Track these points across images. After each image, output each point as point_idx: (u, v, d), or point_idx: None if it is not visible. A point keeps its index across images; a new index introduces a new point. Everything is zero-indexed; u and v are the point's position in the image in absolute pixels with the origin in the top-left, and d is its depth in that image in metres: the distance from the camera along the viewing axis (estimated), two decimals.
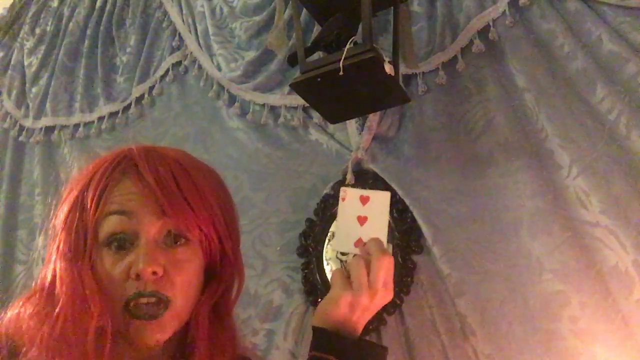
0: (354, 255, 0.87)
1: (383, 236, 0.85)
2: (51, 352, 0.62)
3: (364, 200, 0.87)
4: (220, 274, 0.76)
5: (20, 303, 0.69)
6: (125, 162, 0.72)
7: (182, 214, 0.69)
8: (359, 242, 0.86)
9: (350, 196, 0.88)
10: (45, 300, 0.67)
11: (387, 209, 0.87)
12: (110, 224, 0.68)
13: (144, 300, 0.66)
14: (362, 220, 0.87)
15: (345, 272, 0.83)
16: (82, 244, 0.68)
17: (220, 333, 0.75)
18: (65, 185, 0.76)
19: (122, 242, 0.68)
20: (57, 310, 0.65)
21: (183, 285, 0.70)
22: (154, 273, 0.66)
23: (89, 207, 0.68)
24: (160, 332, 0.67)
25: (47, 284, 0.69)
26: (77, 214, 0.69)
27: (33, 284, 0.72)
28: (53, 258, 0.70)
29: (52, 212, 0.75)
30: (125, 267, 0.67)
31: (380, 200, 0.86)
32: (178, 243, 0.70)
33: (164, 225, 0.69)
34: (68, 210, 0.71)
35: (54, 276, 0.69)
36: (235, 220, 0.79)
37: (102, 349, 0.63)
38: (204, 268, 0.75)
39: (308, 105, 1.46)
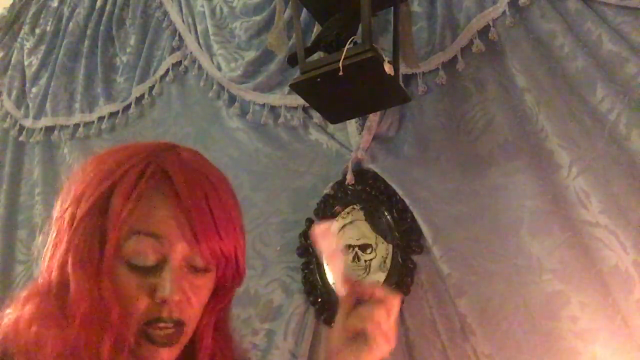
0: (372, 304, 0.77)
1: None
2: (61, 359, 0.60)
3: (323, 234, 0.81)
4: (228, 285, 0.75)
5: (19, 305, 0.65)
6: (159, 174, 0.67)
7: (211, 243, 0.66)
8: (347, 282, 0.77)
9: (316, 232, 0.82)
10: (52, 303, 0.63)
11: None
12: (139, 245, 0.64)
13: (162, 325, 0.65)
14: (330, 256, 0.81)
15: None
16: (98, 250, 0.64)
17: (222, 340, 0.75)
18: (79, 176, 0.70)
19: (146, 265, 0.65)
20: (73, 318, 0.61)
21: (197, 308, 0.69)
22: (179, 300, 0.65)
23: (115, 216, 0.64)
24: (171, 354, 0.67)
25: (54, 286, 0.64)
26: (98, 219, 0.65)
27: (32, 284, 0.68)
28: (60, 259, 0.65)
29: (60, 202, 0.69)
30: (148, 289, 0.64)
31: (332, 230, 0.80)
32: (197, 270, 0.68)
33: (193, 253, 0.67)
34: (87, 210, 0.65)
35: (63, 279, 0.64)
36: (244, 232, 0.76)
37: None
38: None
39: (308, 105, 1.47)
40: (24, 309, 0.64)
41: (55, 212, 0.69)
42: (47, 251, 0.67)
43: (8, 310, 0.66)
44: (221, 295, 0.75)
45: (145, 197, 0.65)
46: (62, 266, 0.64)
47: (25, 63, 2.27)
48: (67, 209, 0.67)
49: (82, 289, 0.62)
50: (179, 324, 0.66)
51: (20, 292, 0.67)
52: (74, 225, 0.65)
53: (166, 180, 0.67)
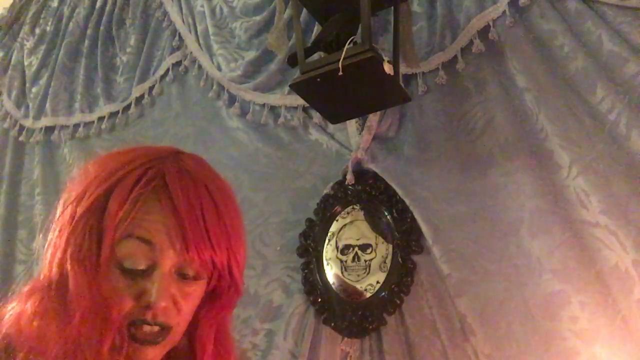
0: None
1: None
2: (63, 354, 0.60)
3: None
4: (225, 295, 0.75)
5: (22, 301, 0.66)
6: (157, 179, 0.67)
7: (202, 253, 0.67)
8: None
9: None
10: (53, 299, 0.64)
11: None
12: (131, 249, 0.65)
13: (147, 328, 0.65)
14: None
15: None
16: (96, 249, 0.65)
17: (222, 348, 0.76)
18: (82, 175, 0.71)
19: (135, 268, 0.66)
20: (73, 315, 0.62)
21: (186, 313, 0.70)
22: (165, 306, 0.66)
23: (111, 218, 0.65)
24: (155, 354, 0.68)
25: (53, 282, 0.65)
26: (96, 219, 0.65)
27: (34, 280, 0.69)
28: (59, 255, 0.66)
29: (62, 201, 0.70)
30: (135, 292, 0.65)
31: None
32: (187, 277, 0.69)
33: (183, 262, 0.67)
34: (85, 210, 0.66)
35: (62, 276, 0.65)
36: (245, 243, 0.76)
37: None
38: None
39: (308, 105, 1.46)
40: (26, 305, 0.65)
41: (58, 210, 0.70)
42: (49, 248, 0.68)
43: (11, 306, 0.67)
44: (219, 304, 0.75)
45: (140, 201, 0.66)
46: (61, 263, 0.65)
47: (25, 63, 2.27)
48: (67, 207, 0.68)
49: (82, 286, 0.63)
50: (164, 327, 0.67)
51: (23, 288, 0.68)
52: (73, 223, 0.66)
53: (163, 186, 0.67)
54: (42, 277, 0.67)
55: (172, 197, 0.67)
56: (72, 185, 0.71)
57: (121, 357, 0.63)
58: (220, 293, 0.74)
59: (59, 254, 0.66)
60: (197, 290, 0.71)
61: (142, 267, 0.66)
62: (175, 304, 0.68)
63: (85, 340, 0.61)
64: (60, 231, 0.68)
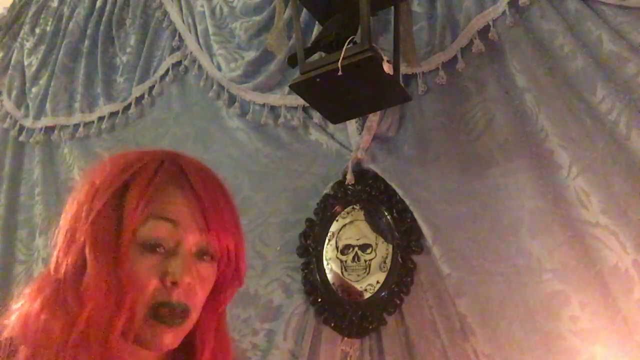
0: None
1: None
2: (69, 349, 0.60)
3: None
4: (229, 286, 0.77)
5: (29, 300, 0.66)
6: (173, 169, 0.71)
7: (221, 232, 0.71)
8: None
9: None
10: (64, 292, 0.65)
11: None
12: (155, 229, 0.68)
13: (169, 309, 0.67)
14: None
15: None
16: (115, 238, 0.66)
17: (221, 340, 0.77)
18: (93, 174, 0.72)
19: (160, 248, 0.68)
20: (87, 303, 0.63)
21: (201, 300, 0.72)
22: (189, 283, 0.68)
23: (133, 204, 0.67)
24: (176, 338, 0.69)
25: (68, 273, 0.66)
26: (115, 210, 0.67)
27: (40, 280, 0.68)
28: (77, 250, 0.66)
29: (73, 200, 0.71)
30: (160, 273, 0.67)
31: None
32: (204, 258, 0.72)
33: (203, 240, 0.70)
34: (104, 203, 0.67)
35: (80, 265, 0.65)
36: (243, 237, 0.80)
37: (122, 350, 0.64)
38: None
39: (308, 105, 1.47)
40: (33, 303, 0.65)
41: (68, 210, 0.71)
42: (59, 247, 0.68)
43: (17, 305, 0.67)
44: (221, 296, 0.77)
45: (161, 188, 0.69)
46: (78, 257, 0.66)
47: (25, 63, 2.27)
48: (82, 205, 0.69)
49: (100, 274, 0.64)
50: (184, 309, 0.69)
51: (26, 288, 0.68)
52: (91, 218, 0.67)
53: (181, 174, 0.72)
54: (51, 274, 0.67)
55: (191, 183, 0.71)
56: (82, 184, 0.72)
57: (129, 345, 0.65)
58: (223, 284, 0.76)
59: (75, 250, 0.67)
60: (210, 276, 0.73)
61: (167, 245, 0.68)
62: (194, 285, 0.70)
63: (93, 330, 0.62)
64: (73, 230, 0.68)
